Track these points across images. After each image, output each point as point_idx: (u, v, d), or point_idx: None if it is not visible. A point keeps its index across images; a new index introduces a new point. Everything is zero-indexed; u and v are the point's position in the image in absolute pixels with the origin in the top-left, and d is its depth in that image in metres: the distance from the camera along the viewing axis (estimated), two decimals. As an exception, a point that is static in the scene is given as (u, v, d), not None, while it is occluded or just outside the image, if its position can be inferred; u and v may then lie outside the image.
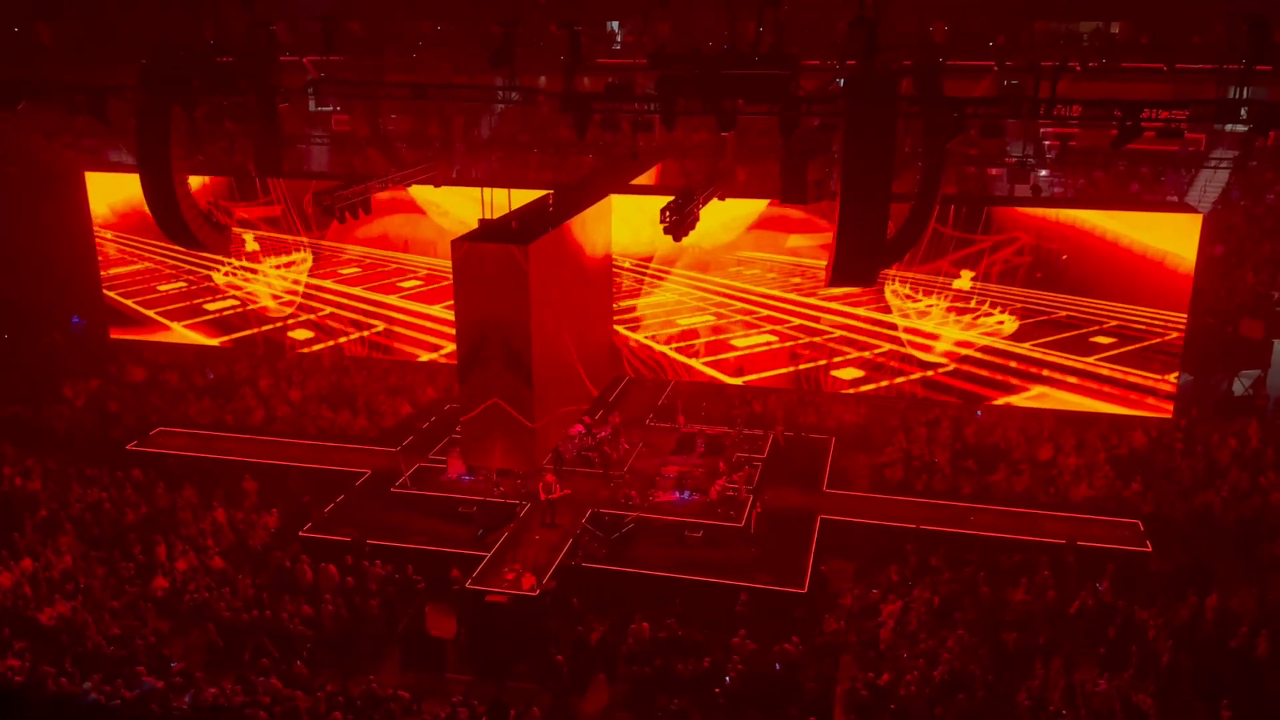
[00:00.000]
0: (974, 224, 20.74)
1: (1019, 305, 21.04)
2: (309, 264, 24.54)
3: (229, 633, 16.86)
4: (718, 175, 21.34)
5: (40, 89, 18.25)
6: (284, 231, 24.38)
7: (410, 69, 29.66)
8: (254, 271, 24.90)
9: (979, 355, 21.49)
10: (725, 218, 21.55)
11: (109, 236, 25.40)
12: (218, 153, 27.42)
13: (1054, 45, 29.15)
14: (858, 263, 15.00)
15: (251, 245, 24.69)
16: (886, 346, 21.91)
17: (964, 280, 21.14)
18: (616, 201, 22.05)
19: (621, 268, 22.52)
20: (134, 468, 21.71)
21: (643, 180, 23.92)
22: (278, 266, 24.71)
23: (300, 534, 19.72)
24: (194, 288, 25.37)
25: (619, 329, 22.82)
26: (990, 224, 20.74)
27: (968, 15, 30.64)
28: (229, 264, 24.84)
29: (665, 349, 22.82)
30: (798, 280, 21.94)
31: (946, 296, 21.31)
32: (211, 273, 25.05)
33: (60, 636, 16.52)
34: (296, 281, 24.82)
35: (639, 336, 22.85)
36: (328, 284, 24.56)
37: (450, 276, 18.28)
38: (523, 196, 20.46)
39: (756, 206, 21.69)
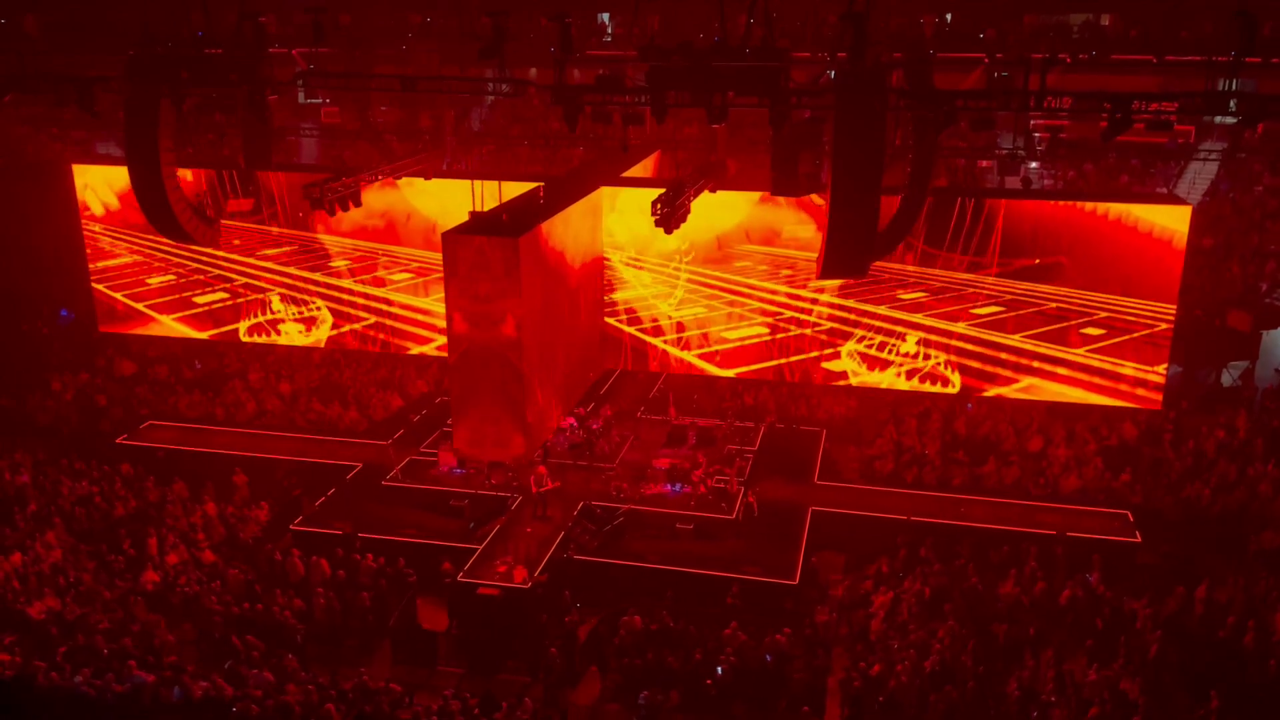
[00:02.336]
0: (939, 239, 20.82)
1: (1009, 297, 21.10)
2: (329, 324, 24.70)
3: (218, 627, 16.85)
4: (709, 168, 21.33)
5: (27, 80, 18.12)
6: (264, 223, 24.30)
7: (400, 61, 29.60)
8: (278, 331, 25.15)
9: (969, 347, 21.54)
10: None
11: (97, 229, 25.27)
12: (206, 145, 27.34)
13: (1043, 38, 29.23)
14: (849, 254, 15.03)
15: (277, 305, 24.79)
16: (878, 339, 21.94)
17: (909, 344, 21.45)
18: (616, 193, 22.00)
19: (611, 260, 22.51)
20: (123, 461, 21.65)
21: (641, 170, 23.89)
22: (299, 322, 24.98)
23: (291, 527, 19.70)
24: (183, 280, 25.28)
25: (611, 321, 22.81)
26: (983, 222, 20.76)
27: (957, 8, 30.71)
28: (253, 318, 25.04)
29: (657, 341, 22.82)
30: (788, 272, 21.96)
31: (896, 353, 21.70)
32: (238, 325, 25.19)
33: (50, 630, 16.48)
34: (318, 342, 25.16)
35: (633, 330, 22.85)
36: (316, 275, 24.49)
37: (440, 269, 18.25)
38: (513, 189, 20.44)
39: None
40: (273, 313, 24.77)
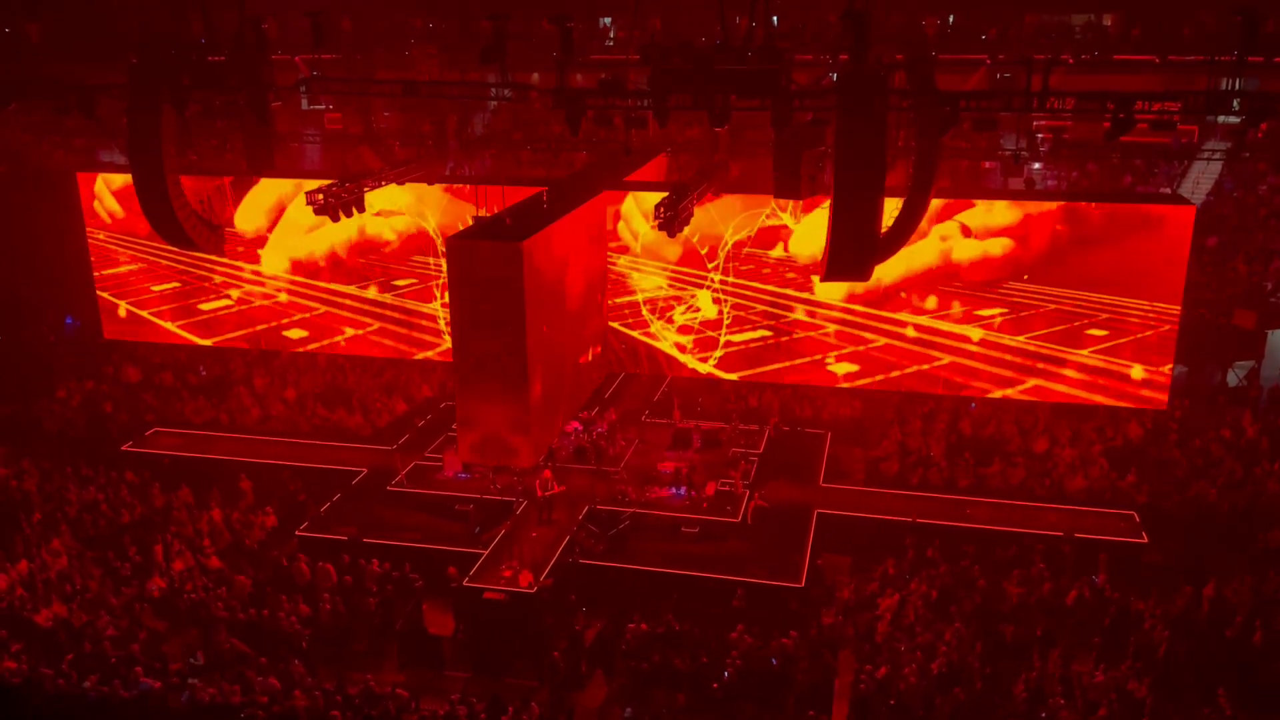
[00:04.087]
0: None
1: (1011, 300, 21.07)
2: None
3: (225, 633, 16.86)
4: (711, 170, 21.32)
5: (29, 88, 18.14)
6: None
7: (401, 66, 29.62)
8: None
9: (974, 349, 21.51)
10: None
11: (101, 237, 25.31)
12: (209, 151, 27.32)
13: (1046, 38, 29.22)
14: (852, 257, 15.00)
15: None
16: (882, 341, 21.91)
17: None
18: (622, 196, 21.99)
19: (615, 263, 22.49)
20: (129, 468, 21.67)
21: (648, 172, 23.88)
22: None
23: (297, 533, 19.72)
24: (188, 287, 25.32)
25: (615, 325, 22.79)
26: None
27: (959, 9, 30.70)
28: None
29: (660, 344, 22.80)
30: (792, 275, 21.94)
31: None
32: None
33: (57, 637, 16.50)
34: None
35: (636, 334, 22.83)
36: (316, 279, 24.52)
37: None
38: (517, 194, 20.43)
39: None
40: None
